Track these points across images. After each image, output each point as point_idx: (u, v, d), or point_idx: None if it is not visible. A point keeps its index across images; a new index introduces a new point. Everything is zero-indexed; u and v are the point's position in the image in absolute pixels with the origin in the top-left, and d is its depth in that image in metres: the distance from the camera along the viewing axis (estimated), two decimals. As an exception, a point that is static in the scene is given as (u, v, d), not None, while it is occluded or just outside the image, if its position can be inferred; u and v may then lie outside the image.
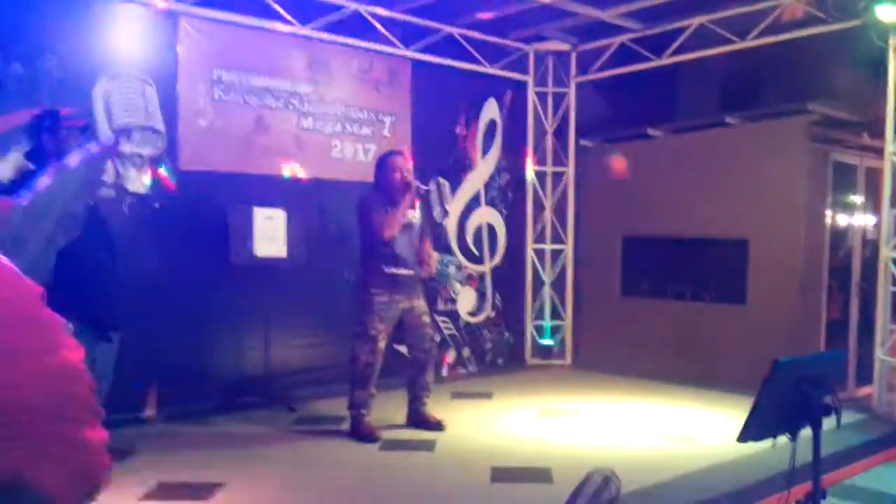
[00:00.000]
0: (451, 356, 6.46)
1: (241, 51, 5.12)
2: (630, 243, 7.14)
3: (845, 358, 2.68)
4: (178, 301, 4.76)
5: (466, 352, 6.59)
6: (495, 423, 4.70)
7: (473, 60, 6.52)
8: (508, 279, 6.93)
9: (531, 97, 7.04)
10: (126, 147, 4.61)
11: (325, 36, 5.54)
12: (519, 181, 7.02)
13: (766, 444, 2.30)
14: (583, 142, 7.29)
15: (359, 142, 5.76)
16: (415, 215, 4.42)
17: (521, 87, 7.00)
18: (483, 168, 6.72)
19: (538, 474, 3.54)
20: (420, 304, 4.45)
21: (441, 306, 6.40)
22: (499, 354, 6.85)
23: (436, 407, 4.92)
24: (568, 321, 7.14)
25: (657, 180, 6.68)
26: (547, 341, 7.14)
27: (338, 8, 5.49)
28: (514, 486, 3.34)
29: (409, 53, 6.07)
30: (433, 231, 5.80)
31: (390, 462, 3.85)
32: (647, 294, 7.01)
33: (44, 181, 1.19)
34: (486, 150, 6.73)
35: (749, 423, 2.45)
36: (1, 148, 4.09)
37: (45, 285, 2.84)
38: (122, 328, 3.61)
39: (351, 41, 5.70)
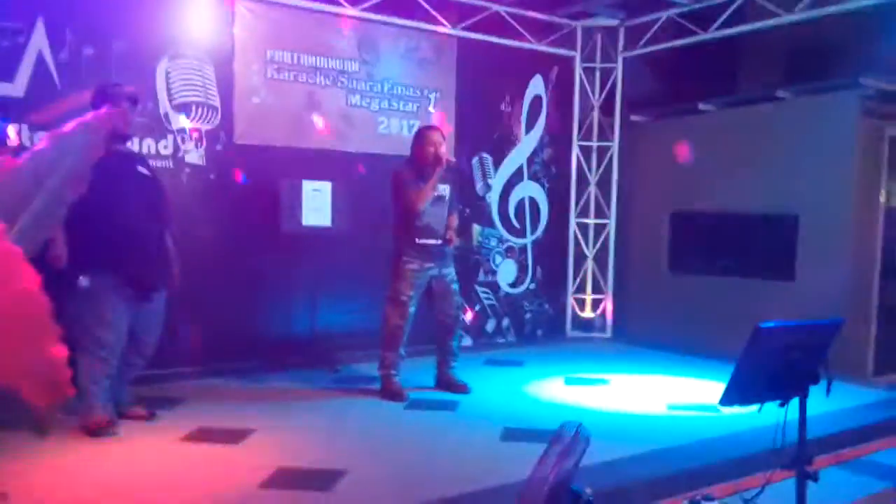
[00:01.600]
0: (490, 325, 6.73)
1: (294, 32, 5.43)
2: (678, 218, 7.19)
3: (840, 326, 2.77)
4: (231, 266, 5.18)
5: (506, 322, 6.84)
6: (520, 389, 4.96)
7: (520, 37, 6.67)
8: (550, 252, 7.13)
9: (578, 73, 7.14)
10: (184, 122, 5.00)
11: (373, 16, 5.80)
12: (563, 156, 7.16)
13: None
14: (633, 117, 7.36)
15: (404, 118, 6.02)
16: (445, 188, 4.65)
17: (567, 62, 7.10)
18: (527, 143, 6.89)
19: (548, 435, 3.77)
20: (449, 272, 4.70)
21: (482, 277, 6.65)
22: (538, 326, 7.08)
23: (467, 371, 5.21)
24: (609, 295, 7.29)
25: (707, 155, 6.71)
26: (588, 314, 7.32)
27: (386, -11, 5.74)
28: (520, 444, 3.59)
29: (456, 32, 6.27)
30: (478, 206, 6.06)
31: (410, 419, 4.16)
32: (694, 270, 7.05)
33: (43, 145, 1.36)
34: (530, 126, 6.89)
35: (730, 388, 2.58)
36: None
37: (88, 241, 3.22)
38: (171, 290, 3.94)
39: (399, 21, 5.94)
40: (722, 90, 7.23)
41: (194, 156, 5.06)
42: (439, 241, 4.58)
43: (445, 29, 6.20)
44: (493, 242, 6.72)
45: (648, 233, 7.34)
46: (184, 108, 5.00)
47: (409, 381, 4.79)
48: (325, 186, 5.31)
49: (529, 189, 6.95)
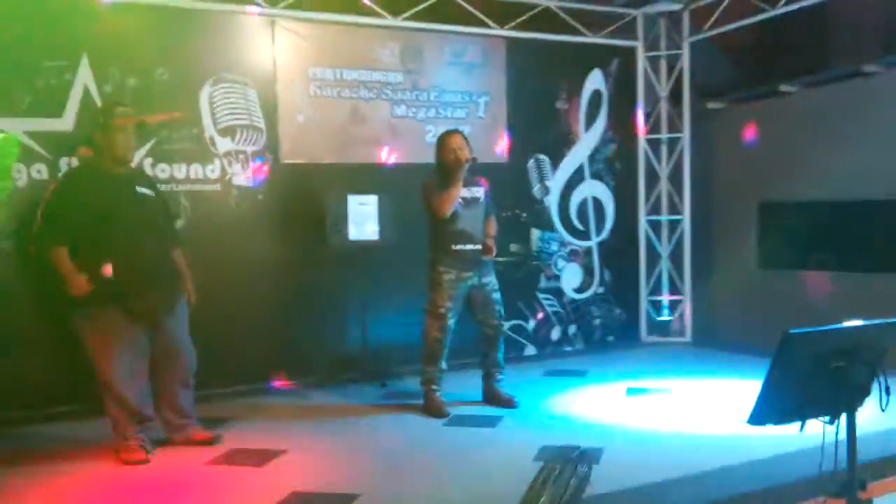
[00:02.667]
0: (555, 333, 6.50)
1: (335, 48, 5.44)
2: (768, 210, 6.70)
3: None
4: (282, 283, 5.25)
5: (573, 329, 6.58)
6: (573, 401, 4.72)
7: (574, 32, 6.42)
8: (619, 253, 6.81)
9: (641, 63, 6.79)
10: (230, 145, 5.10)
11: (416, 25, 5.72)
12: (628, 151, 6.83)
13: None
14: (710, 104, 6.96)
15: (453, 124, 5.88)
16: (478, 190, 4.50)
17: (628, 53, 6.77)
18: (587, 141, 6.61)
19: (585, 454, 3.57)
20: (489, 280, 4.54)
21: (544, 283, 6.44)
22: (609, 332, 6.77)
23: (524, 383, 5.06)
24: (687, 296, 6.89)
25: (795, 140, 6.23)
26: (665, 318, 6.95)
27: (428, -4, 5.65)
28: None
29: (504, 32, 6.10)
30: (536, 210, 5.88)
31: (445, 437, 4.03)
32: (788, 265, 6.54)
33: None
34: (589, 123, 6.61)
35: (760, 404, 2.30)
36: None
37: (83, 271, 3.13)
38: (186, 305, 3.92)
39: (443, 27, 5.84)
40: (805, 69, 6.69)
41: (241, 177, 5.15)
42: (477, 247, 4.43)
43: (493, 30, 6.05)
44: (555, 247, 6.49)
45: (731, 227, 6.89)
46: (229, 132, 5.10)
47: (458, 395, 4.68)
48: (372, 200, 5.28)
49: (592, 188, 6.67)
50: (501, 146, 6.16)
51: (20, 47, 4.43)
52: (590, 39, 6.53)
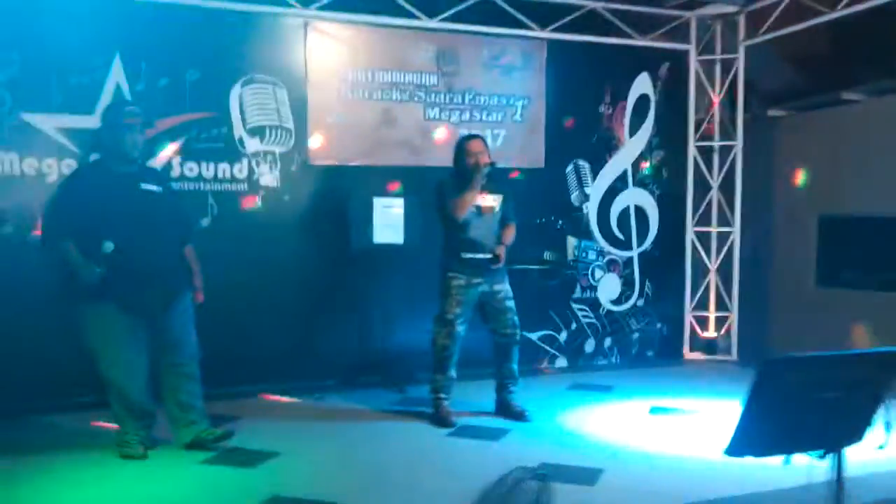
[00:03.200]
0: (589, 346, 6.28)
1: (368, 49, 5.40)
2: (829, 224, 6.31)
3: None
4: (305, 285, 5.26)
5: (608, 342, 6.35)
6: (589, 417, 4.53)
7: (621, 34, 6.20)
8: (662, 265, 6.53)
9: (693, 67, 6.50)
10: (258, 145, 5.13)
11: (453, 26, 5.64)
12: (676, 158, 6.55)
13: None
14: (770, 111, 6.62)
15: (488, 128, 5.79)
16: (495, 199, 4.38)
17: (680, 56, 6.49)
18: (631, 147, 6.37)
19: (584, 475, 3.40)
20: (502, 287, 4.41)
21: (579, 293, 6.23)
22: (648, 346, 6.50)
23: (546, 396, 4.90)
24: (735, 312, 6.55)
25: (861, 150, 5.84)
26: (710, 334, 6.63)
27: (466, -4, 5.55)
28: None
29: (546, 34, 5.94)
30: (574, 217, 5.72)
31: (444, 449, 3.92)
32: (850, 284, 6.14)
33: None
34: (635, 128, 6.36)
35: (738, 435, 2.14)
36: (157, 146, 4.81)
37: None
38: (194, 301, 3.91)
39: (481, 29, 5.73)
40: (870, 76, 6.26)
41: (269, 178, 5.17)
42: (488, 256, 4.31)
43: (533, 32, 5.90)
44: (592, 256, 6.28)
45: (788, 241, 6.52)
46: (258, 132, 5.13)
47: (472, 404, 4.56)
48: (398, 203, 5.23)
49: (635, 196, 6.42)
50: (538, 151, 6.00)
51: (55, 45, 4.55)
52: (638, 42, 6.29)
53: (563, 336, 6.17)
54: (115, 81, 4.75)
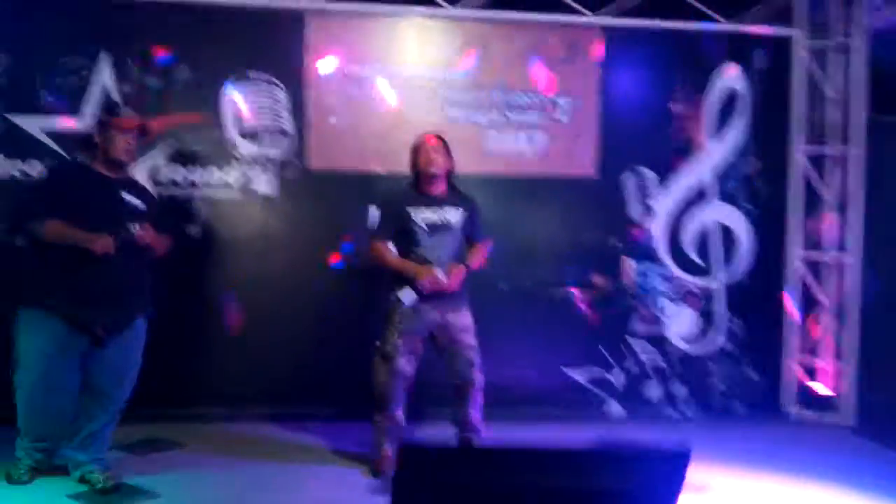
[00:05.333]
0: (652, 392, 5.16)
1: (377, 42, 4.84)
2: None
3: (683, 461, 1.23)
4: (300, 302, 4.74)
5: (680, 389, 5.19)
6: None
7: (700, 17, 5.14)
8: (756, 298, 5.26)
9: (799, 56, 5.25)
10: (253, 149, 4.71)
11: (482, 14, 4.93)
12: (776, 167, 5.29)
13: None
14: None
15: (522, 130, 4.98)
16: (455, 212, 3.65)
17: (781, 44, 5.27)
18: (714, 152, 5.22)
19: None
20: (457, 318, 3.62)
21: (639, 327, 5.16)
22: (736, 398, 5.23)
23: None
24: (853, 362, 5.13)
25: None
26: (819, 388, 5.24)
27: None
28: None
29: (599, 20, 5.05)
30: (633, 235, 4.79)
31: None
32: None
33: None
34: (719, 130, 5.22)
35: None
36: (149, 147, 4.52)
37: (36, 271, 2.87)
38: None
39: (515, 15, 4.96)
40: None
41: (264, 185, 4.73)
42: (441, 278, 3.54)
43: (582, 18, 5.03)
44: (657, 282, 5.18)
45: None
46: (252, 135, 4.72)
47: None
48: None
49: (720, 212, 5.25)
50: (588, 157, 5.07)
51: (41, 44, 4.43)
52: (724, 27, 5.18)
53: (617, 377, 5.12)
54: (101, 82, 4.54)
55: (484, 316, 4.70)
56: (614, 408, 5.10)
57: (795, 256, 5.28)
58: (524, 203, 5.03)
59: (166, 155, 4.62)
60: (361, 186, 4.78)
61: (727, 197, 5.25)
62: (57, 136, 4.51)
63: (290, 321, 4.73)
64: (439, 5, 4.87)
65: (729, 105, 5.23)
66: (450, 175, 3.75)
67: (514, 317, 4.94)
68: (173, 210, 4.53)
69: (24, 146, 4.47)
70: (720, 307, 5.24)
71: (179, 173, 4.65)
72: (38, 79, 4.49)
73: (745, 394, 5.24)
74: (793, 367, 5.27)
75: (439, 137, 3.78)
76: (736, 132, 5.23)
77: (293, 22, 4.74)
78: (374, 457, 3.64)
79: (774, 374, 5.27)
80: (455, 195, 3.75)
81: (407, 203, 3.63)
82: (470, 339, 3.65)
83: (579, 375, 5.06)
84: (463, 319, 3.65)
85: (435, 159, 3.62)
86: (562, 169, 5.04)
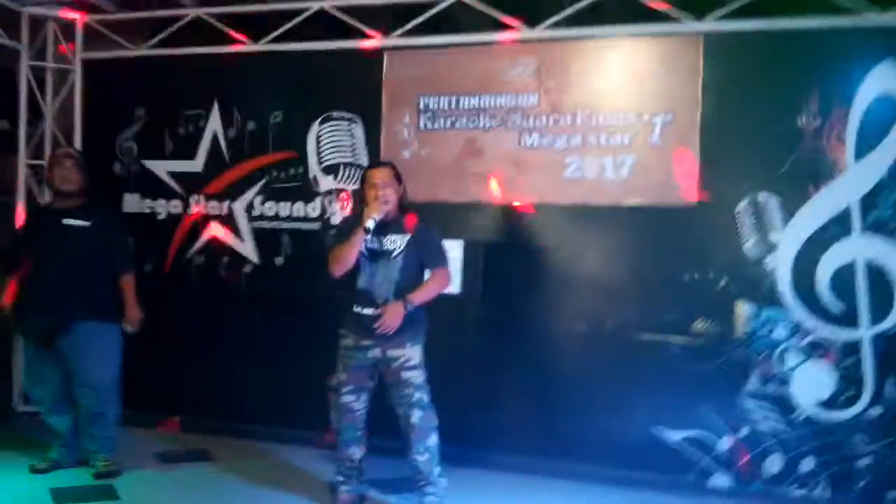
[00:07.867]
0: (773, 464, 4.23)
1: (450, 73, 4.74)
2: None
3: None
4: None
5: (809, 463, 4.18)
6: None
7: (837, 11, 4.26)
8: (920, 356, 4.09)
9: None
10: (332, 183, 4.92)
11: (561, 33, 4.62)
12: (951, 193, 4.11)
13: None
14: None
15: (607, 154, 4.52)
16: (398, 240, 3.44)
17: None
18: (860, 174, 4.21)
19: None
20: (400, 354, 3.36)
21: (756, 384, 4.28)
22: (888, 481, 4.07)
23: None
24: None
25: None
26: None
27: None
28: None
29: (703, 26, 4.44)
30: (748, 273, 4.14)
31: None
32: None
33: None
34: (866, 147, 4.21)
35: None
36: (246, 185, 5.02)
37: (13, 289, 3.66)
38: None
39: (598, 31, 4.57)
40: None
41: (340, 216, 4.90)
42: (374, 312, 3.33)
43: (681, 27, 4.46)
44: (781, 331, 4.27)
45: None
46: (332, 170, 4.93)
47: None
48: (456, 245, 4.43)
49: (867, 248, 4.20)
50: (688, 182, 4.43)
51: (169, 98, 5.16)
52: (871, 21, 4.23)
53: (723, 443, 4.30)
54: (212, 129, 5.12)
55: (560, 359, 4.39)
56: (718, 479, 4.27)
57: (984, 304, 4.01)
58: (610, 235, 4.53)
59: (259, 191, 5.01)
60: (433, 216, 4.68)
61: (877, 228, 4.19)
62: (178, 176, 5.15)
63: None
64: (516, 29, 4.66)
65: (880, 116, 4.20)
66: (401, 201, 3.55)
67: (594, 363, 4.44)
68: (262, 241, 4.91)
69: (152, 187, 5.19)
70: (867, 364, 4.15)
71: (269, 208, 5.00)
72: (167, 128, 5.19)
73: (901, 476, 4.06)
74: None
75: (385, 165, 3.66)
76: (890, 149, 4.18)
77: (372, 59, 4.88)
78: (333, 498, 3.50)
79: (948, 457, 4.01)
80: (401, 222, 3.53)
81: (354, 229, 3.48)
82: (414, 376, 3.38)
83: (675, 436, 4.34)
84: (408, 355, 3.40)
85: (378, 189, 3.44)
86: (654, 197, 4.44)
